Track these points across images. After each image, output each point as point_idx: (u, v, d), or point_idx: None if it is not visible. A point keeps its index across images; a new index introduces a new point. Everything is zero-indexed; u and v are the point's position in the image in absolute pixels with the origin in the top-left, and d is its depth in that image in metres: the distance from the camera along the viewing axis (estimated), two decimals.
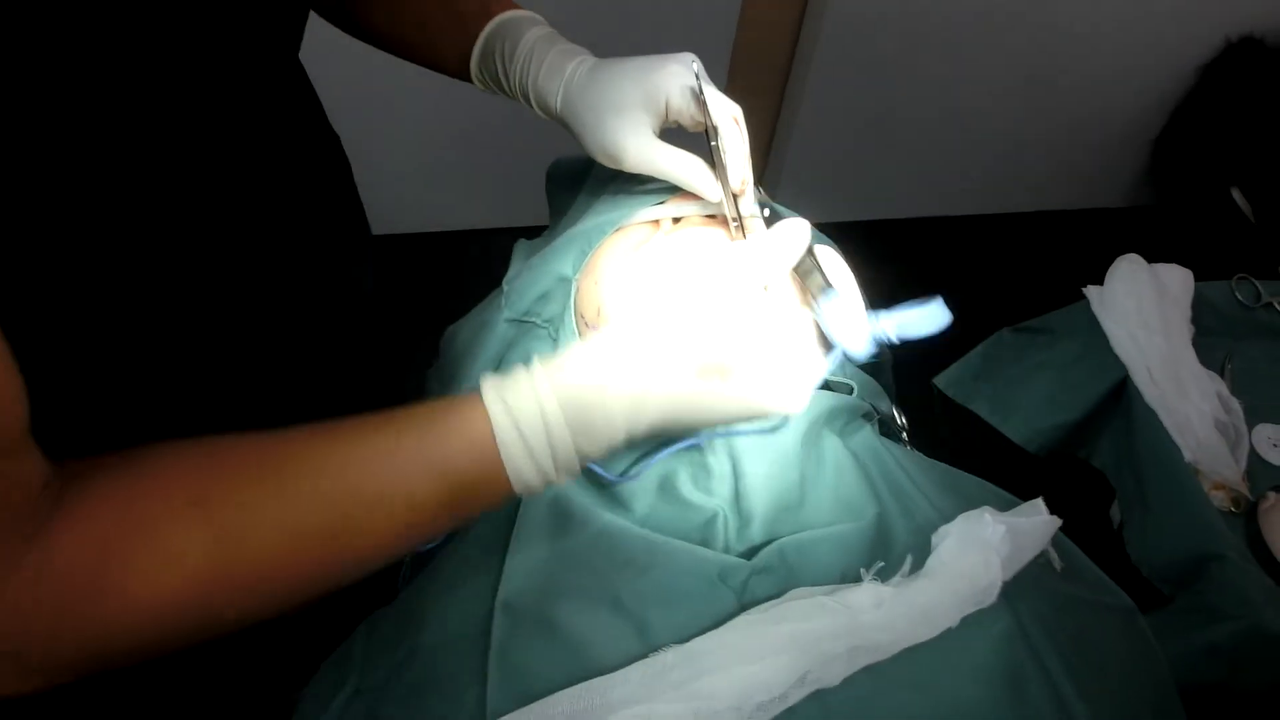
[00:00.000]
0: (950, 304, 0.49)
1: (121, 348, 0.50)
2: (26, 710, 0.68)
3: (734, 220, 0.61)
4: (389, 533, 0.41)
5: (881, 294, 0.60)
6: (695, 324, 0.43)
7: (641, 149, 0.59)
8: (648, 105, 0.59)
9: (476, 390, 0.42)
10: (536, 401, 0.41)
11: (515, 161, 1.52)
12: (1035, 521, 0.56)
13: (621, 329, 0.43)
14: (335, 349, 0.70)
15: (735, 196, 0.60)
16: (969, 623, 0.50)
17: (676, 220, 0.67)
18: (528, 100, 0.65)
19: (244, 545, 0.38)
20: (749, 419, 0.46)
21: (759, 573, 0.53)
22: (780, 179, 1.92)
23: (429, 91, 1.53)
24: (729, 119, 0.60)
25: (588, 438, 0.42)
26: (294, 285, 0.64)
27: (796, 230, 0.47)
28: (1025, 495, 0.59)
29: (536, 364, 0.42)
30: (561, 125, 0.64)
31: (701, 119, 0.59)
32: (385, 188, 1.11)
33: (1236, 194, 1.86)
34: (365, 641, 0.58)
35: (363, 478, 0.39)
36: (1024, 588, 0.53)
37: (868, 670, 0.47)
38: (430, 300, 1.10)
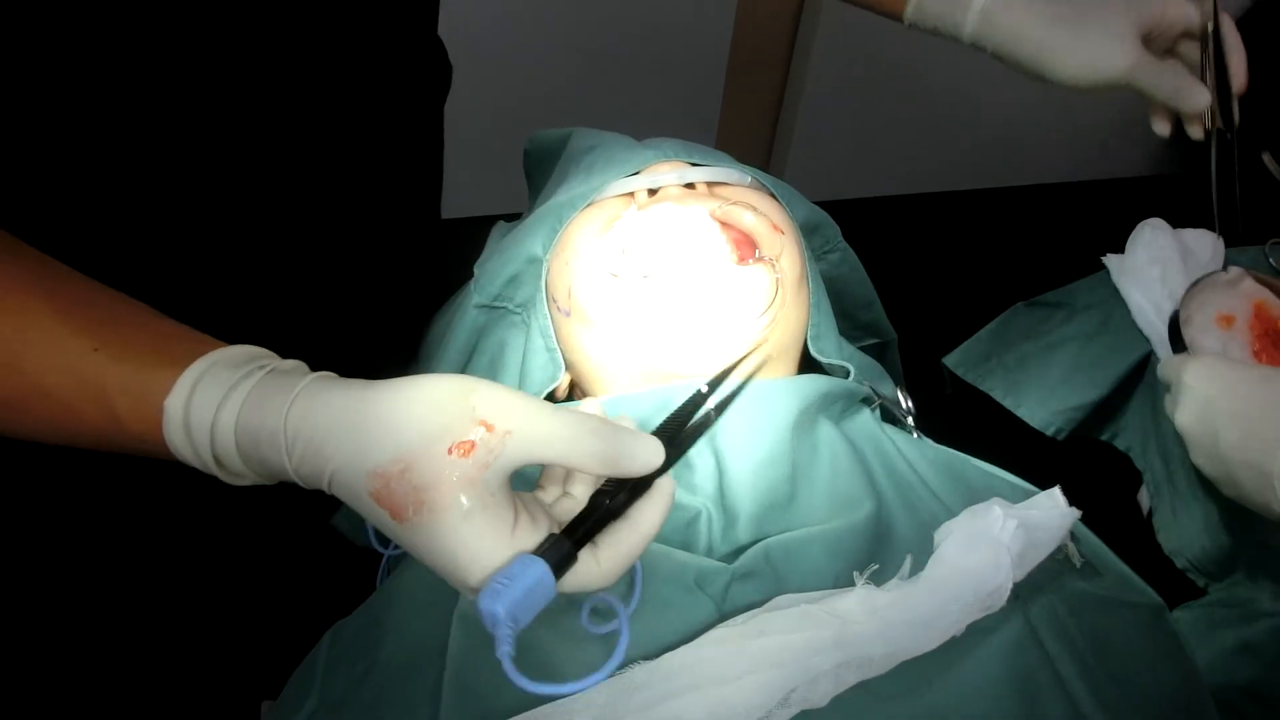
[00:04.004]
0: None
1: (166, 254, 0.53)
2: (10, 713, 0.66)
3: (1225, 132, 0.57)
4: (48, 430, 0.42)
5: (899, 275, 0.54)
6: (377, 425, 0.35)
7: (1132, 54, 0.56)
8: (1131, 6, 0.57)
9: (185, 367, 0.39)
10: (213, 414, 0.38)
11: None
12: (1051, 514, 0.51)
13: (356, 390, 0.37)
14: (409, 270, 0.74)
15: (1235, 98, 0.57)
16: (975, 630, 0.45)
17: (652, 192, 0.62)
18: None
19: None
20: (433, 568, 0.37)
21: (741, 578, 0.48)
22: (788, 157, 1.87)
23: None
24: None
25: (262, 466, 0.39)
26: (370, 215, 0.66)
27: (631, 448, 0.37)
28: (1045, 483, 0.54)
29: (253, 382, 0.38)
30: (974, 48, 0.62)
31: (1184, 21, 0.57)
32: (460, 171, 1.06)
33: (1267, 158, 1.77)
34: (328, 653, 0.54)
35: (35, 370, 0.40)
36: (1038, 588, 0.49)
37: (862, 687, 0.43)
38: None
